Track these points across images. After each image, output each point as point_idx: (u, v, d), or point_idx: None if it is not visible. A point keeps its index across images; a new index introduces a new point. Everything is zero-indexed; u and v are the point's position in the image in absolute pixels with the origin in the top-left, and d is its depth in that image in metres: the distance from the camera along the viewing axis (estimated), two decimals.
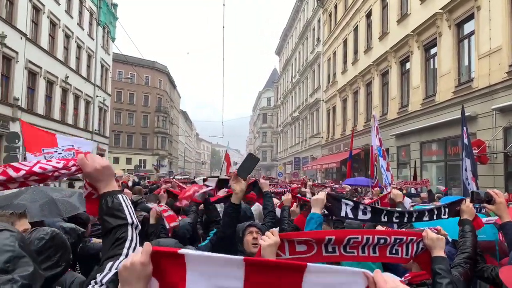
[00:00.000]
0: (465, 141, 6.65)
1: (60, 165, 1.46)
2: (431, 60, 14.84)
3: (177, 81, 71.39)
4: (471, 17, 12.16)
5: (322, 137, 30.00)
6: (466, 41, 12.73)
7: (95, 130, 30.23)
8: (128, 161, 50.68)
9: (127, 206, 1.41)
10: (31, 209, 3.09)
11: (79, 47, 27.30)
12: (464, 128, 6.70)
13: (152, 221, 3.68)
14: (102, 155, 32.18)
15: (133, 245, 1.33)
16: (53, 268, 1.75)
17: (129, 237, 1.34)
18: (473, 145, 10.56)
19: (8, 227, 1.14)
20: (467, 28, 12.60)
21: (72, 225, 3.12)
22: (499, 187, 10.22)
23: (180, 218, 3.96)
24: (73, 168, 1.47)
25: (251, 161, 2.93)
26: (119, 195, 1.42)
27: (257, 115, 73.43)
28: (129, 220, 1.37)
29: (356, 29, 22.87)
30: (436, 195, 9.96)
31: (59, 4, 23.59)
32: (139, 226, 1.42)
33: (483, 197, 2.65)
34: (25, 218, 2.14)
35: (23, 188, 3.20)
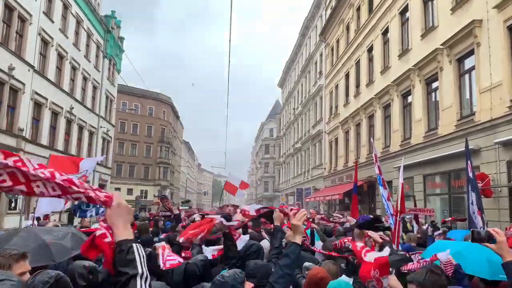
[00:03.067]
0: (470, 174, 6.59)
1: (90, 191, 1.46)
2: (433, 93, 15.01)
3: (180, 111, 72.15)
4: (471, 52, 12.39)
5: (324, 169, 29.91)
6: (467, 75, 12.91)
7: (98, 161, 30.27)
8: (130, 191, 50.47)
9: (139, 256, 1.41)
10: None
11: (85, 79, 27.84)
12: (469, 161, 6.66)
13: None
14: (103, 186, 32.15)
15: None
16: None
17: None
18: (477, 179, 10.53)
19: (9, 276, 1.12)
20: (468, 63, 12.82)
21: (93, 264, 2.89)
22: (504, 221, 10.08)
23: (182, 255, 3.87)
24: (103, 198, 1.47)
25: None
26: (134, 245, 1.42)
27: (260, 145, 73.66)
28: (139, 271, 1.37)
29: (358, 63, 23.30)
30: (442, 229, 9.81)
31: (67, 37, 24.28)
32: (149, 278, 1.41)
33: (484, 236, 2.61)
34: (24, 259, 2.02)
35: (12, 230, 3.14)
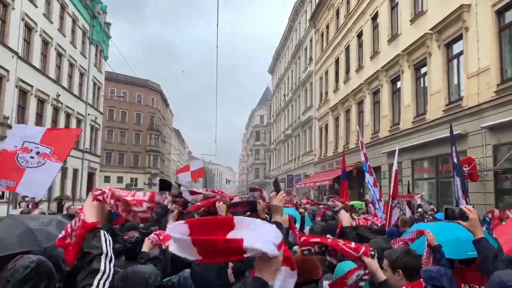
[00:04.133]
0: (455, 159, 6.70)
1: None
2: (422, 79, 15.07)
3: (170, 99, 71.53)
4: (459, 37, 12.42)
5: (314, 155, 30.06)
6: (455, 60, 12.97)
7: (86, 149, 29.97)
8: (119, 179, 50.21)
9: (105, 239, 1.54)
10: (7, 240, 2.97)
11: (71, 66, 27.32)
12: (453, 147, 6.75)
13: (144, 248, 3.49)
14: (93, 174, 31.92)
15: (105, 276, 1.44)
16: None
17: (102, 269, 1.44)
18: (464, 163, 10.69)
19: None
20: (456, 48, 12.86)
21: None
22: (489, 204, 10.27)
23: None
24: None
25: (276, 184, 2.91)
26: (101, 231, 1.57)
27: (250, 132, 73.64)
28: (104, 250, 1.49)
29: (347, 49, 23.24)
30: (430, 212, 9.97)
31: (51, 23, 23.70)
32: (113, 259, 1.53)
33: (457, 214, 2.67)
34: None
35: None
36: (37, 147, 5.73)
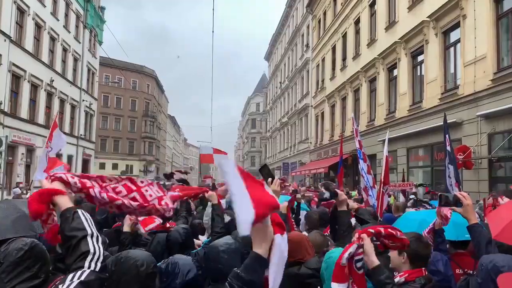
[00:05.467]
0: (448, 148, 6.73)
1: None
2: (418, 67, 15.04)
3: (165, 85, 71.03)
4: (457, 25, 12.37)
5: (310, 143, 30.10)
6: (452, 49, 12.93)
7: (81, 135, 29.80)
8: (115, 166, 50.12)
9: (86, 219, 1.49)
10: (3, 225, 2.95)
11: (65, 50, 26.94)
12: (447, 135, 6.78)
13: (125, 228, 3.44)
14: (87, 161, 31.78)
15: (95, 257, 1.41)
16: (32, 280, 1.67)
17: (92, 250, 1.42)
18: (459, 151, 10.75)
19: None
20: (453, 36, 12.81)
21: None
22: (483, 192, 10.36)
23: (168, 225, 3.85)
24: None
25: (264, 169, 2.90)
26: (78, 210, 1.52)
27: (246, 120, 73.47)
28: (89, 231, 1.45)
29: (344, 36, 23.08)
30: (424, 199, 10.05)
31: (44, 6, 23.28)
32: (100, 237, 1.50)
33: (451, 200, 2.69)
34: None
35: None
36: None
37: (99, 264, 1.43)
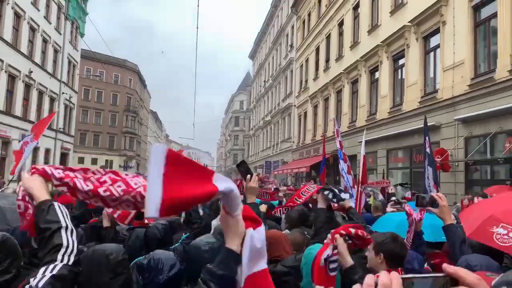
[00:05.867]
0: (427, 150, 6.90)
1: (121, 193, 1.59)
2: (399, 70, 15.31)
3: (148, 80, 70.16)
4: (437, 31, 12.64)
5: (293, 142, 30.27)
6: (432, 53, 13.21)
7: (60, 128, 29.14)
8: (94, 161, 49.20)
9: (61, 212, 1.48)
10: None
11: (45, 41, 26.28)
12: (427, 138, 6.94)
13: (105, 223, 3.41)
14: (66, 154, 31.14)
15: (68, 250, 1.40)
16: (2, 275, 1.64)
17: (65, 244, 1.40)
18: (436, 153, 11.00)
19: None
20: (433, 41, 13.09)
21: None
22: (460, 194, 10.64)
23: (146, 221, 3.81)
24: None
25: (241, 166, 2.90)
26: (55, 203, 1.51)
27: (230, 118, 73.29)
28: (63, 224, 1.44)
29: (328, 37, 23.28)
30: (402, 201, 10.24)
31: None
32: (74, 230, 1.49)
33: (428, 201, 2.74)
34: None
35: None
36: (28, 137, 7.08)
37: (72, 258, 1.41)
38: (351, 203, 7.16)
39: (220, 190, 1.23)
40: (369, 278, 0.71)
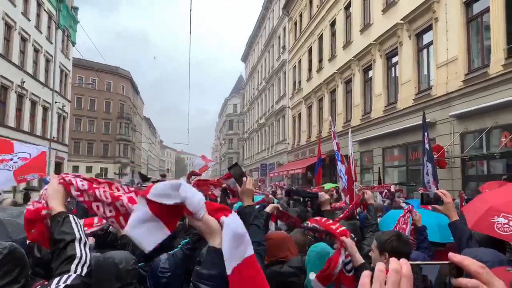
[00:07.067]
0: (426, 146, 6.90)
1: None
2: (393, 68, 15.38)
3: (141, 87, 69.97)
4: (429, 28, 12.73)
5: (288, 144, 30.29)
6: (425, 50, 13.30)
7: (53, 137, 28.94)
8: (89, 169, 48.87)
9: (76, 224, 1.51)
10: None
11: (36, 51, 26.12)
12: (425, 134, 6.95)
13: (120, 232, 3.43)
14: (60, 163, 30.91)
15: (82, 261, 1.42)
16: (11, 284, 1.61)
17: (78, 255, 1.42)
18: (433, 150, 11.04)
19: None
20: (426, 38, 13.18)
21: None
22: (456, 190, 10.67)
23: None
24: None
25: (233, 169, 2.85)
26: (70, 215, 1.54)
27: (223, 121, 73.23)
28: (77, 236, 1.46)
29: (320, 38, 23.37)
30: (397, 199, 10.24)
31: (15, 6, 22.51)
32: (88, 242, 1.52)
33: (432, 198, 2.75)
34: None
35: None
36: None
37: (85, 269, 1.42)
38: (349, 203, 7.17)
39: (182, 201, 1.34)
40: (380, 264, 0.76)
